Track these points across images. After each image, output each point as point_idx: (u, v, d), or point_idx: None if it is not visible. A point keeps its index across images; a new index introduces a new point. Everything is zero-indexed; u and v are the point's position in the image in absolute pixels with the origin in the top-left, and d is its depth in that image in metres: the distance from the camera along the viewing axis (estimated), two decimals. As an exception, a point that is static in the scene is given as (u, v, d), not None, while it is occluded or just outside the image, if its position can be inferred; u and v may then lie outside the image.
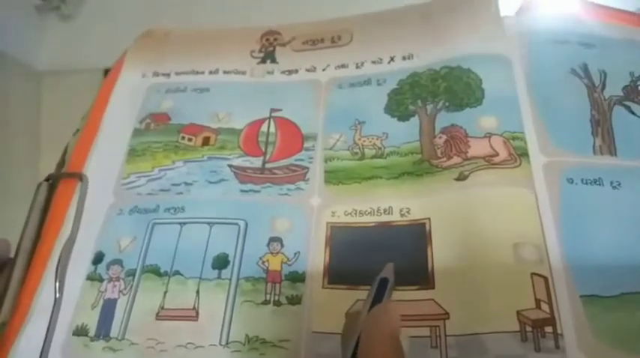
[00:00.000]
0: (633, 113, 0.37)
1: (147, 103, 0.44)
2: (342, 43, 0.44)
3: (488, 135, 0.35)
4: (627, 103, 0.37)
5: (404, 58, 0.41)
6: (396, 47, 0.42)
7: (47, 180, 0.40)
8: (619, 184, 0.33)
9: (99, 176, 0.40)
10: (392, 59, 0.42)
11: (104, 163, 0.41)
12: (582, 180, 0.33)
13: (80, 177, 0.40)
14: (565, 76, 0.38)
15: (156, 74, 0.46)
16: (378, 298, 0.27)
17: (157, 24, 0.49)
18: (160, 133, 0.42)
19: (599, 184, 0.33)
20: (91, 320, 0.33)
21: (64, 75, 0.46)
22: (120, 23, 0.48)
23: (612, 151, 0.35)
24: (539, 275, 0.29)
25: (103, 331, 0.33)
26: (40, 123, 0.48)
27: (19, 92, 0.51)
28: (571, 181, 0.33)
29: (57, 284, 0.34)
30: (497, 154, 0.34)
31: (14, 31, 0.53)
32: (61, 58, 0.52)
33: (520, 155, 0.34)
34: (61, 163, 0.42)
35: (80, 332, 0.33)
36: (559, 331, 0.28)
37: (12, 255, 0.36)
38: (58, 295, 0.34)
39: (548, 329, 0.28)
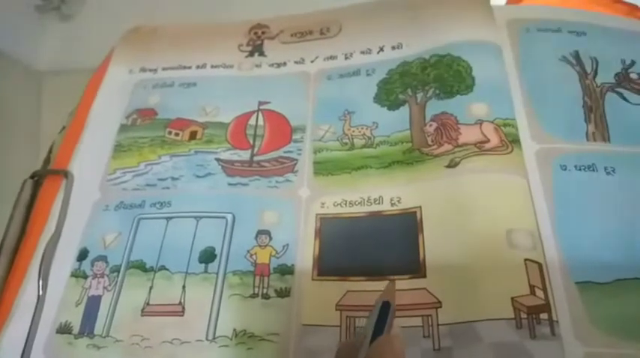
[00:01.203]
0: (626, 99, 0.36)
1: (134, 99, 0.43)
2: (330, 35, 0.44)
3: (479, 122, 0.34)
4: (619, 90, 0.37)
5: (393, 48, 0.41)
6: (385, 37, 0.42)
7: (32, 177, 0.40)
8: (613, 170, 0.32)
9: (85, 172, 0.39)
10: (381, 49, 0.41)
11: (90, 159, 0.40)
12: (576, 167, 0.33)
13: (65, 173, 0.39)
14: (556, 63, 0.38)
15: (143, 70, 0.45)
16: (380, 324, 0.24)
17: (157, 23, 0.49)
18: (147, 128, 0.41)
19: (593, 170, 0.33)
20: (75, 318, 0.32)
21: (64, 75, 0.46)
22: (120, 23, 0.48)
23: (606, 137, 0.34)
24: (533, 262, 0.28)
25: (87, 328, 0.32)
26: (40, 123, 0.47)
27: (19, 92, 0.50)
28: (564, 168, 0.33)
29: (40, 281, 0.34)
30: (488, 141, 0.33)
31: (14, 31, 0.53)
32: (61, 58, 0.52)
33: (511, 141, 0.33)
34: (47, 160, 0.42)
35: (64, 329, 0.32)
36: (554, 318, 0.27)
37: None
38: (41, 292, 0.33)
39: (544, 315, 0.27)
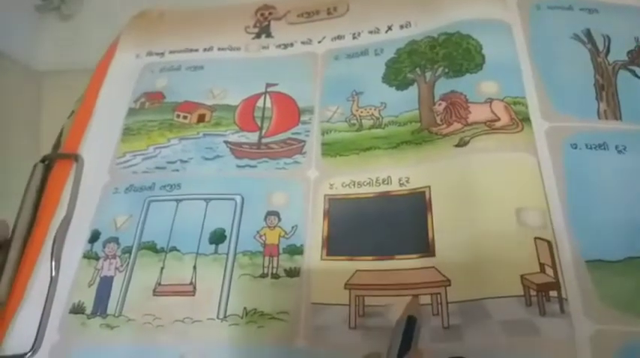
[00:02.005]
0: (638, 77, 0.36)
1: (141, 83, 0.43)
2: (338, 14, 0.43)
3: (489, 101, 0.34)
4: (632, 67, 0.36)
5: (401, 27, 0.40)
6: (394, 16, 0.41)
7: (43, 161, 0.40)
8: (624, 148, 0.32)
9: (94, 156, 0.39)
10: (389, 28, 0.41)
11: (99, 143, 0.40)
12: (587, 145, 0.32)
13: (75, 157, 0.39)
14: (567, 41, 0.37)
15: (150, 54, 0.45)
16: (406, 339, 0.24)
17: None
18: (155, 112, 0.41)
19: (604, 149, 0.32)
20: (88, 298, 0.33)
21: (64, 75, 0.46)
22: (120, 23, 0.48)
23: (617, 115, 0.34)
24: (543, 240, 0.28)
25: (100, 308, 0.32)
26: (40, 123, 0.48)
27: (19, 92, 0.51)
28: (575, 146, 0.32)
29: (53, 263, 0.34)
30: (498, 119, 0.33)
31: (14, 31, 0.53)
32: (61, 58, 0.52)
33: (522, 120, 0.33)
34: (57, 145, 0.42)
35: (77, 310, 0.33)
36: (564, 295, 0.27)
37: (10, 236, 0.36)
38: (54, 274, 0.34)
39: (553, 293, 0.27)
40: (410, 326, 0.25)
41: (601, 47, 0.37)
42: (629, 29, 0.38)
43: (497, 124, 0.33)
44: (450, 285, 0.29)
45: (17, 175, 0.39)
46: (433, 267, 0.30)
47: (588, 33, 0.37)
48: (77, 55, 0.46)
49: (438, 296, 0.28)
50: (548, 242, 0.28)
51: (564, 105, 0.34)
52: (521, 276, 0.27)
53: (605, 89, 0.35)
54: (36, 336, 0.32)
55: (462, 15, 0.38)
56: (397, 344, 0.23)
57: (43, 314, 0.32)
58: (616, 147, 0.32)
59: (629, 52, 0.37)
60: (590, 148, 0.32)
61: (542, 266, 0.28)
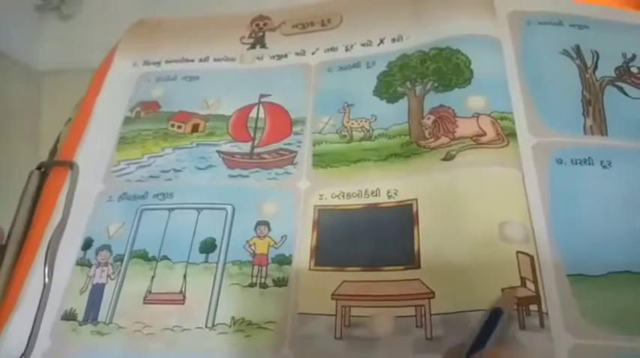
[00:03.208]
0: (625, 94, 0.36)
1: (137, 92, 0.44)
2: (331, 26, 0.44)
3: (476, 115, 0.34)
4: (619, 84, 0.37)
5: (393, 40, 0.41)
6: (386, 29, 0.42)
7: (39, 168, 0.41)
8: (609, 164, 0.33)
9: (89, 163, 0.40)
10: (381, 41, 0.41)
11: (95, 151, 0.41)
12: (572, 161, 0.33)
13: (71, 165, 0.40)
14: (557, 57, 0.38)
15: (146, 63, 0.46)
16: (487, 331, 0.23)
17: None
18: (150, 121, 0.42)
19: (589, 164, 0.33)
20: (80, 305, 0.33)
21: (64, 75, 0.46)
22: (120, 23, 0.48)
23: (603, 131, 0.34)
24: (525, 254, 0.29)
25: (92, 315, 0.33)
26: (40, 123, 0.48)
27: (19, 92, 0.51)
28: (560, 161, 0.33)
29: (46, 269, 0.35)
30: (484, 134, 0.34)
31: (14, 31, 0.54)
32: (61, 58, 0.52)
33: (508, 135, 0.33)
34: (54, 151, 0.43)
35: (69, 316, 0.33)
36: (544, 310, 0.27)
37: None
38: (47, 280, 0.34)
39: (534, 307, 0.27)
40: (493, 319, 0.24)
41: (589, 63, 0.38)
42: (618, 45, 0.38)
43: (484, 139, 0.33)
44: (434, 298, 0.29)
45: (17, 175, 0.39)
46: (418, 279, 0.30)
47: (577, 49, 0.38)
48: (77, 55, 0.46)
49: (422, 308, 0.29)
50: (530, 256, 0.29)
51: (551, 121, 0.35)
52: (502, 290, 0.28)
53: (592, 105, 0.36)
54: (27, 342, 0.32)
55: (452, 30, 0.39)
56: (475, 334, 0.23)
57: (35, 321, 0.33)
58: (601, 162, 0.33)
59: (616, 69, 0.37)
60: (576, 163, 0.33)
61: (523, 280, 0.28)
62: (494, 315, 0.24)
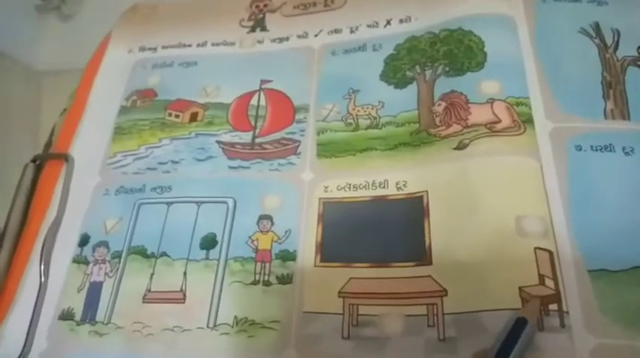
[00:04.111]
0: (649, 74, 0.34)
1: (133, 80, 0.42)
2: (335, 6, 0.42)
3: (491, 101, 0.32)
4: (642, 64, 0.34)
5: (401, 21, 0.39)
6: (393, 9, 0.39)
7: (34, 161, 0.39)
8: (632, 150, 0.31)
9: (85, 156, 0.39)
10: (388, 22, 0.39)
11: (90, 143, 0.39)
12: (592, 147, 0.31)
13: (66, 157, 0.38)
14: (574, 36, 0.35)
15: (142, 49, 0.44)
16: (510, 341, 0.22)
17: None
18: (147, 110, 0.40)
19: (610, 150, 0.31)
20: (77, 304, 0.32)
21: (64, 75, 0.45)
22: None
23: (625, 115, 0.32)
24: (544, 250, 0.27)
25: (89, 315, 0.32)
26: (39, 123, 0.47)
27: (19, 92, 0.50)
28: (579, 148, 0.31)
29: (42, 267, 0.33)
30: (499, 121, 0.32)
31: (14, 31, 0.53)
32: (61, 58, 0.51)
33: (524, 121, 0.31)
34: (49, 143, 0.41)
35: (66, 316, 0.32)
36: (564, 308, 0.26)
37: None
38: (43, 279, 0.33)
39: (553, 306, 0.26)
40: (518, 328, 0.23)
41: (610, 42, 0.35)
42: (639, 23, 0.36)
43: (498, 126, 0.31)
44: (446, 296, 0.28)
45: (17, 175, 0.39)
46: (429, 276, 0.29)
47: (597, 27, 0.36)
48: (77, 55, 0.46)
49: (434, 306, 0.28)
50: (550, 252, 0.27)
51: (569, 105, 0.33)
52: (520, 288, 0.26)
53: (613, 87, 0.34)
54: (24, 343, 0.31)
55: (464, 9, 0.36)
56: (498, 344, 0.22)
57: (32, 321, 0.32)
58: (623, 148, 0.31)
59: (639, 48, 0.35)
60: (596, 150, 0.31)
61: (541, 277, 0.26)
62: (519, 324, 0.23)
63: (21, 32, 0.54)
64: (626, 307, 0.26)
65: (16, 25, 0.54)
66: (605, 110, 0.32)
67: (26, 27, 0.55)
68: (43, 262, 0.34)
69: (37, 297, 0.33)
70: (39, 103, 0.50)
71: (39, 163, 0.39)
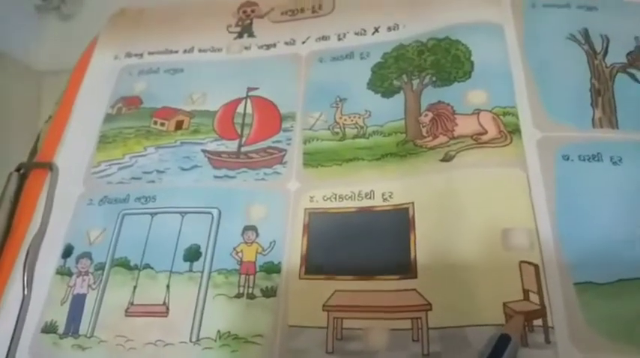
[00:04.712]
0: (638, 81, 0.34)
1: (119, 86, 0.42)
2: (323, 13, 0.41)
3: (477, 112, 0.32)
4: (631, 71, 0.34)
5: (389, 29, 0.38)
6: (381, 17, 0.39)
7: (18, 169, 0.39)
8: (620, 160, 0.30)
9: (69, 165, 0.38)
10: (376, 30, 0.39)
11: (75, 151, 0.39)
12: (579, 157, 0.31)
13: (50, 166, 0.38)
14: (563, 42, 0.35)
15: (128, 55, 0.43)
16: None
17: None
18: (132, 118, 0.39)
19: (598, 160, 0.30)
20: (60, 317, 0.32)
21: (64, 75, 0.45)
22: None
23: (613, 123, 0.32)
24: (529, 263, 0.27)
25: (72, 328, 0.31)
26: (39, 123, 0.47)
27: (19, 92, 0.50)
28: (567, 158, 0.31)
29: (25, 279, 0.33)
30: (485, 132, 0.31)
31: (14, 31, 0.53)
32: (61, 58, 0.51)
33: (511, 132, 0.31)
34: (34, 151, 0.41)
35: (49, 329, 0.32)
36: (549, 323, 0.26)
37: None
38: (26, 292, 0.33)
39: (537, 322, 0.25)
40: (501, 345, 0.23)
41: (599, 48, 0.35)
42: (629, 29, 0.36)
43: (484, 138, 0.31)
44: (431, 310, 0.27)
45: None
46: (414, 289, 0.28)
47: (586, 33, 0.35)
48: (77, 55, 0.45)
49: (419, 321, 0.27)
50: (535, 265, 0.27)
51: (558, 113, 0.32)
52: (504, 304, 0.26)
53: (602, 94, 0.33)
54: (6, 356, 0.31)
55: (452, 17, 0.36)
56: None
57: (14, 334, 0.31)
58: (611, 158, 0.30)
59: (628, 54, 0.35)
60: (583, 160, 0.31)
61: (526, 292, 0.26)
62: (502, 341, 0.23)
63: (21, 32, 0.54)
64: (612, 320, 0.26)
65: (15, 25, 0.54)
66: (593, 118, 0.32)
67: (26, 27, 0.55)
68: (26, 273, 0.33)
69: (20, 310, 0.32)
70: (39, 103, 0.50)
71: (23, 172, 0.39)
